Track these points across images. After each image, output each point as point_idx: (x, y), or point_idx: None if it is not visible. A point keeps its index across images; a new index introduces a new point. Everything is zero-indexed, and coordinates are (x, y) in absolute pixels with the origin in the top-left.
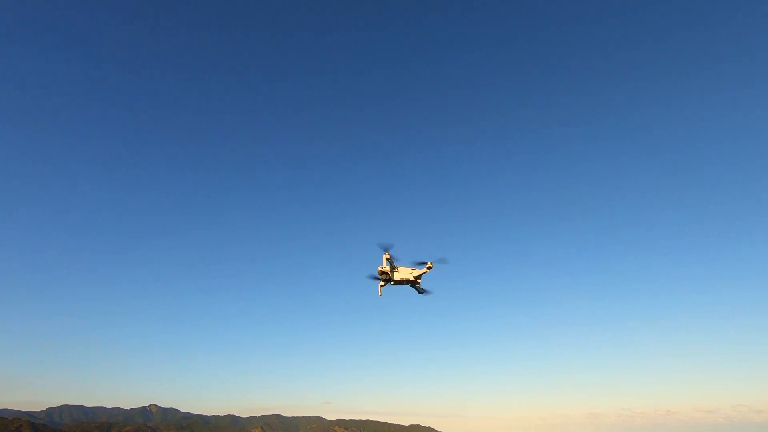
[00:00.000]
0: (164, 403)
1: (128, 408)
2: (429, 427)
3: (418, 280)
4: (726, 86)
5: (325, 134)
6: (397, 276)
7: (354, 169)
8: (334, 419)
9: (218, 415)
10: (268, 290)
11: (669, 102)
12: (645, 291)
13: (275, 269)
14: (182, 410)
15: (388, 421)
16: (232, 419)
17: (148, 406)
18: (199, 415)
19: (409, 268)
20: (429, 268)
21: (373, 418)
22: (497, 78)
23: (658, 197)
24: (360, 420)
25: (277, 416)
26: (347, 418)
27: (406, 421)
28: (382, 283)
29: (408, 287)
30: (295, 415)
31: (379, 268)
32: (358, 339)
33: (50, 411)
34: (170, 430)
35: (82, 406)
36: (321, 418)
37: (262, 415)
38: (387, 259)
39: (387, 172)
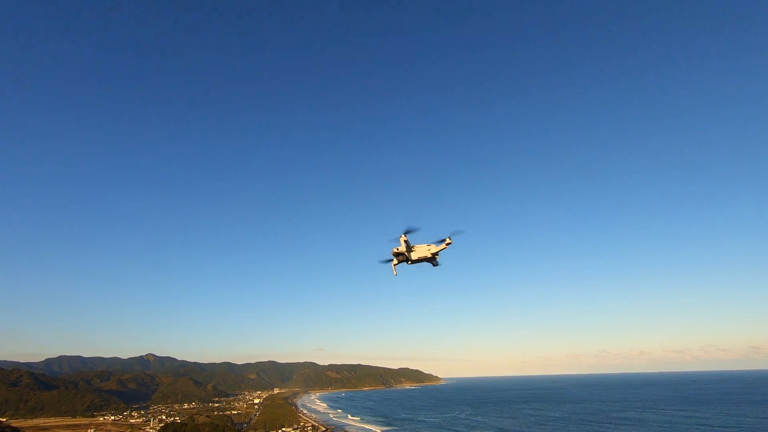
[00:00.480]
0: (161, 353)
1: (126, 357)
2: (417, 370)
3: (436, 257)
4: None
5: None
6: (414, 256)
7: (353, 128)
8: (326, 364)
9: (215, 362)
10: (263, 244)
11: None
12: (620, 244)
13: (271, 223)
14: (179, 359)
15: (378, 365)
16: (228, 366)
17: (145, 355)
18: (195, 363)
19: (426, 246)
20: (447, 244)
21: (364, 363)
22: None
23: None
24: (351, 365)
25: (272, 362)
26: (339, 363)
27: (395, 365)
28: (396, 262)
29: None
30: (289, 362)
31: (395, 250)
32: (348, 289)
33: (49, 362)
34: (168, 377)
35: (79, 356)
36: (314, 363)
37: (257, 362)
38: (405, 241)
39: (384, 132)
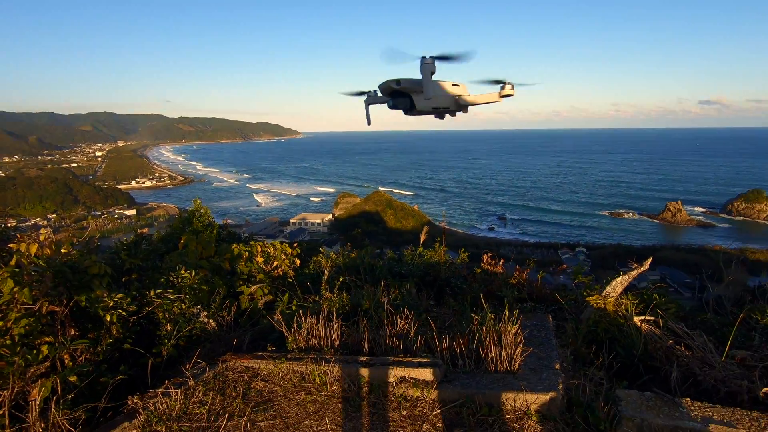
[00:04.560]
0: None
1: None
2: (276, 124)
3: (464, 111)
4: None
5: None
6: (425, 105)
7: None
8: (177, 117)
9: (31, 113)
10: None
11: None
12: (507, 26)
13: None
14: None
15: (236, 119)
16: (52, 116)
17: None
18: (4, 112)
19: (450, 86)
20: (505, 95)
21: (220, 117)
22: None
23: None
24: (206, 117)
25: (110, 114)
26: (192, 116)
27: (253, 119)
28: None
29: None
30: (132, 113)
31: (392, 82)
32: (201, 29)
33: None
34: None
35: None
36: (162, 116)
37: (91, 113)
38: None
39: None
